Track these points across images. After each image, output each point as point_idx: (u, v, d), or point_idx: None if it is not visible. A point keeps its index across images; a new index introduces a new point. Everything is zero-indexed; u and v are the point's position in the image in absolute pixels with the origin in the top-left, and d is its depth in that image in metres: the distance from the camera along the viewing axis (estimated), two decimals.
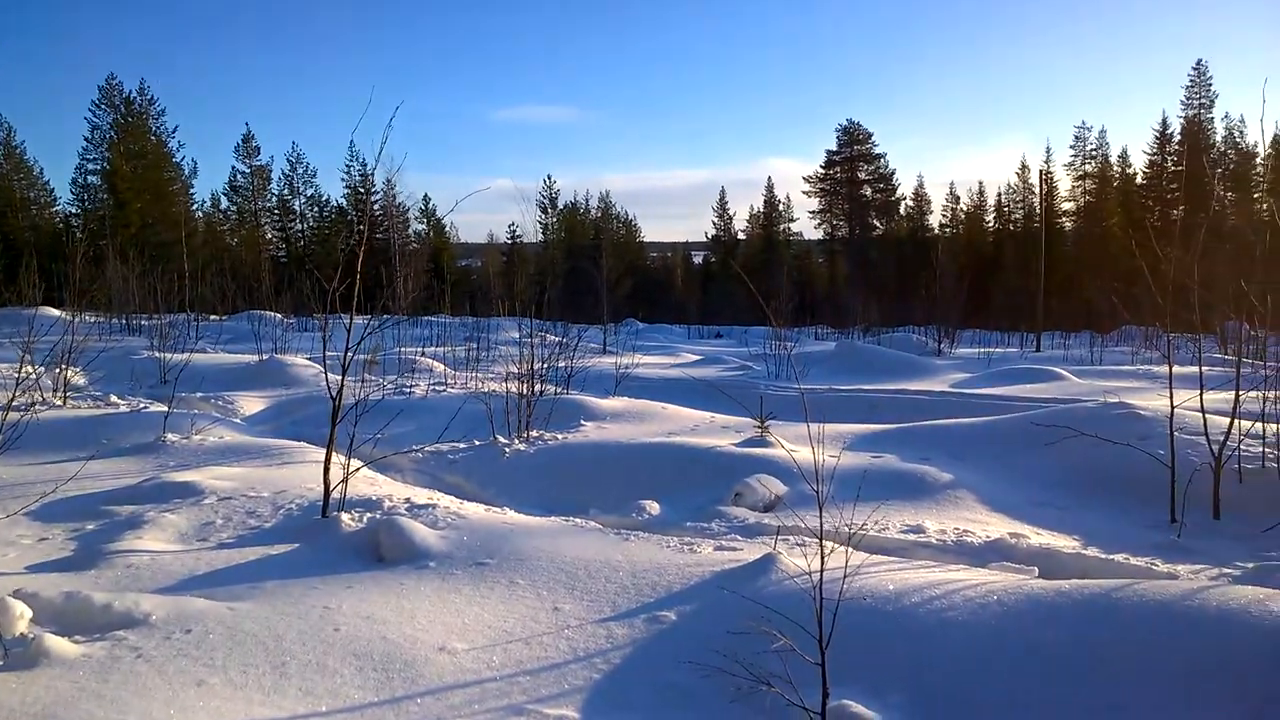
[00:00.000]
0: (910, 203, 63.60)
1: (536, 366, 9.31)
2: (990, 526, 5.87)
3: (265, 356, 14.01)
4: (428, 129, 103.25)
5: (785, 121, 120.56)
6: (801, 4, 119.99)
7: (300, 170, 54.12)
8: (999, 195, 61.53)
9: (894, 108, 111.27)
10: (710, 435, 8.36)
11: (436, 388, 11.65)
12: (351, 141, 45.34)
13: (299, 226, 55.25)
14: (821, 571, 3.01)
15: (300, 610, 3.99)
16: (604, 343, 20.03)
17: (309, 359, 14.06)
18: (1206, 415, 6.40)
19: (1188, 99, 53.63)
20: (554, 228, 61.20)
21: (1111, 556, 5.23)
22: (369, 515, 5.60)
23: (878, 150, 62.71)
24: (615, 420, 9.16)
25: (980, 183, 64.91)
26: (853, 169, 62.76)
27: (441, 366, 14.17)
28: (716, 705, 3.22)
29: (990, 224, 62.46)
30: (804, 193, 64.52)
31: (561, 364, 10.61)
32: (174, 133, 48.77)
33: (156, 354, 12.90)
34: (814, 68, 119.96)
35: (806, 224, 65.98)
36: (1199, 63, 53.47)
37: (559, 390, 10.04)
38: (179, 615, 3.87)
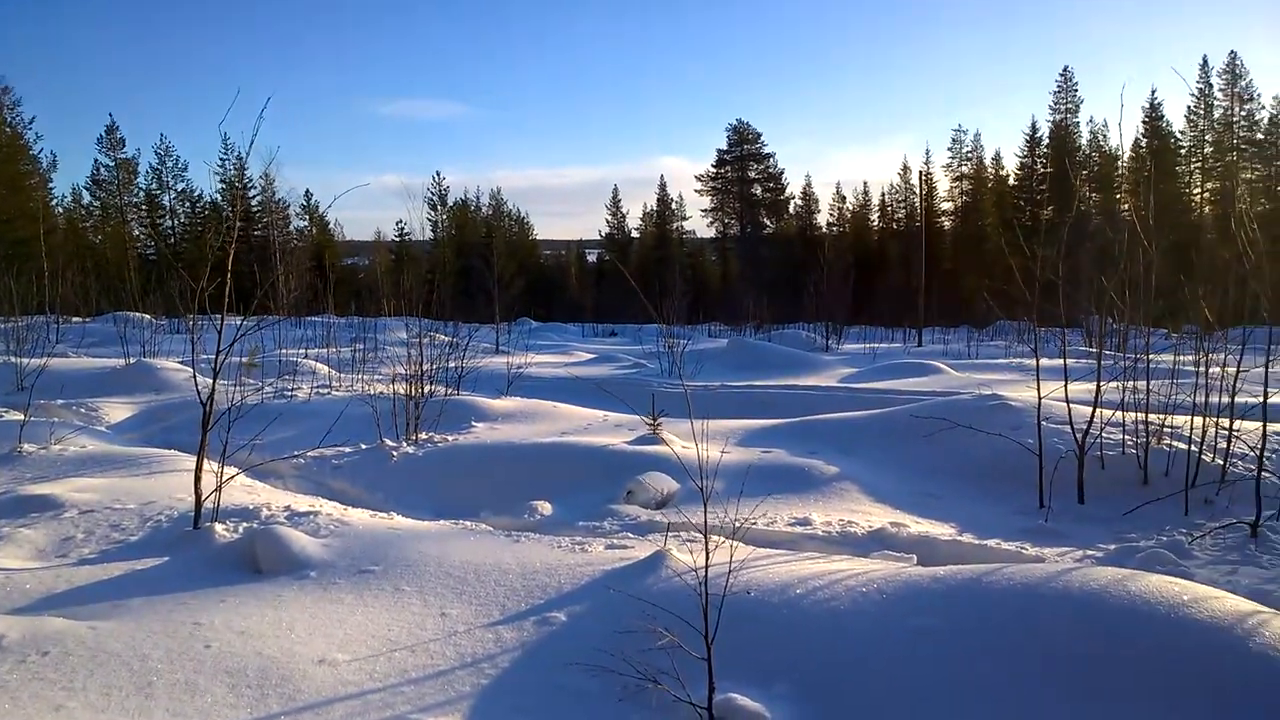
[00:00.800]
0: (799, 202, 65.43)
1: (426, 367, 9.11)
2: (873, 517, 6.06)
3: (132, 360, 13.22)
4: (311, 124, 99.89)
5: (677, 120, 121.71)
6: (690, 4, 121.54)
7: (170, 164, 51.51)
8: (883, 195, 63.99)
9: (782, 108, 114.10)
10: (603, 434, 8.35)
11: (320, 390, 11.25)
12: (224, 134, 43.14)
13: (169, 223, 52.53)
14: (706, 568, 3.04)
15: (168, 627, 3.77)
16: (496, 342, 19.80)
17: (181, 362, 13.35)
18: (1071, 405, 6.79)
19: (1055, 104, 56.89)
20: (444, 225, 60.13)
21: (984, 542, 5.47)
22: (245, 525, 5.35)
23: (767, 150, 64.28)
24: (507, 421, 9.04)
25: (865, 183, 67.46)
26: (743, 168, 64.05)
27: (325, 368, 13.69)
28: (606, 705, 3.20)
29: (875, 223, 64.78)
30: (696, 191, 65.70)
31: (452, 364, 10.41)
32: (31, 124, 45.56)
33: (12, 359, 12.00)
34: (705, 67, 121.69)
35: (699, 222, 67.06)
36: (1065, 69, 56.80)
37: (449, 391, 9.85)
38: (35, 637, 3.60)
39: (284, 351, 14.50)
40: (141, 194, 51.46)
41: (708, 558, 3.08)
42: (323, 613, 4.02)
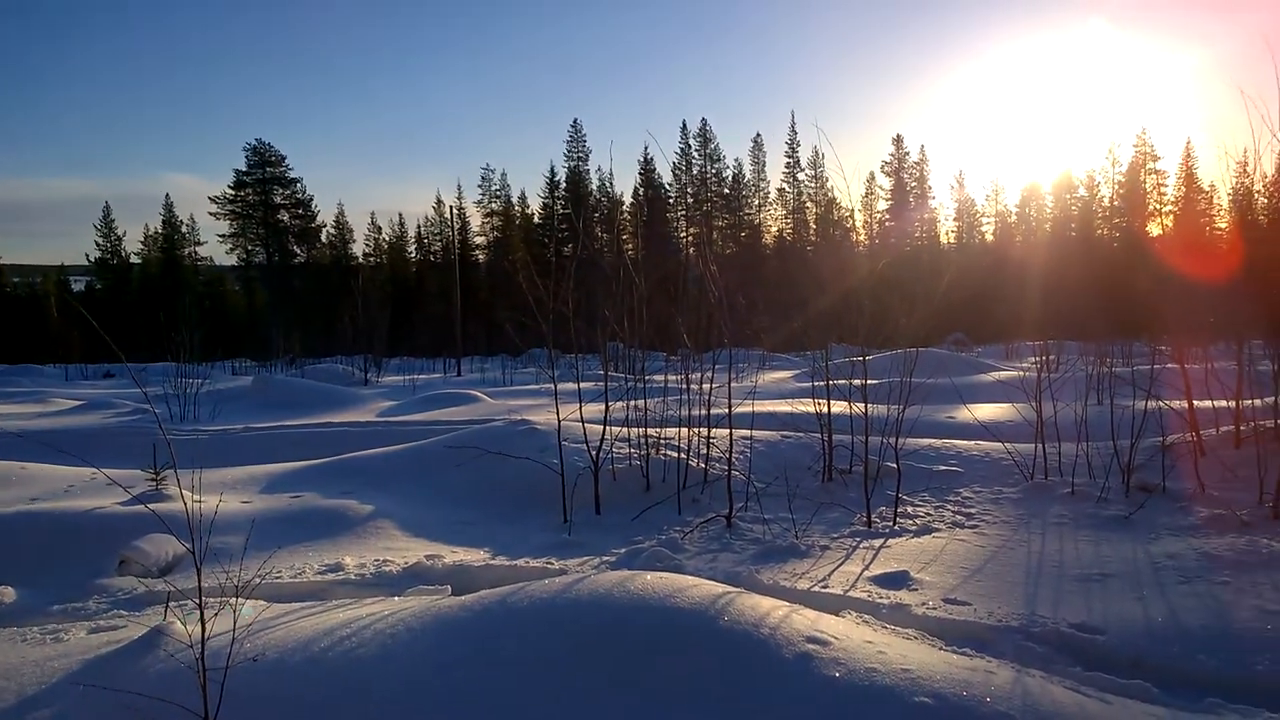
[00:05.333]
0: (332, 230, 63.26)
1: None
2: (409, 552, 5.98)
3: None
4: None
5: (185, 133, 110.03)
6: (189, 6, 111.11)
7: None
8: (419, 227, 64.65)
9: (310, 132, 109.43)
10: (90, 496, 7.11)
11: None
12: None
13: None
14: (204, 640, 2.69)
15: None
16: None
17: None
18: (586, 425, 7.42)
19: (569, 152, 62.81)
20: None
21: (515, 562, 5.70)
22: None
23: (293, 174, 61.06)
24: None
25: (400, 215, 67.63)
26: (266, 192, 60.11)
27: None
28: None
29: (413, 255, 65.19)
30: (212, 214, 59.87)
31: None
32: None
33: None
34: (221, 79, 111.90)
35: (218, 248, 61.25)
36: (575, 121, 63.15)
37: None
38: None
39: None
40: None
41: (204, 628, 2.73)
42: None
